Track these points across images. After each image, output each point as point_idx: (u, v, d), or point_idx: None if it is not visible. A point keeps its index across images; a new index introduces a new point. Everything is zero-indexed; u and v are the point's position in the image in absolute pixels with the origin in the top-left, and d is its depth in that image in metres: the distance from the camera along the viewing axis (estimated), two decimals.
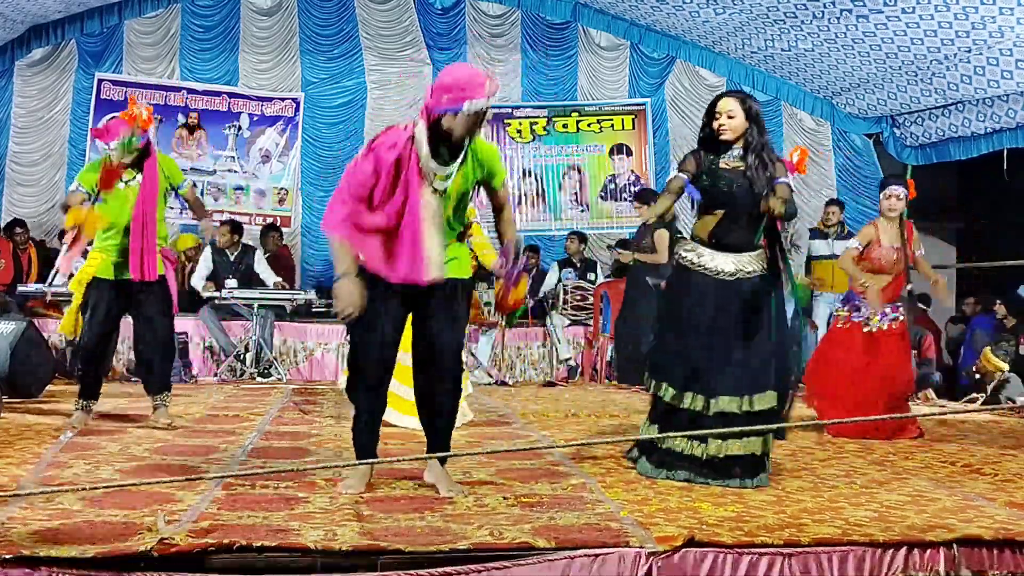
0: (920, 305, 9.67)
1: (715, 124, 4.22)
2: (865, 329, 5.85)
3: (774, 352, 4.20)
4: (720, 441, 4.05)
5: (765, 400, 4.13)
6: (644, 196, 8.80)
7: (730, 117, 4.18)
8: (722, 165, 4.21)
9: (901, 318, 5.90)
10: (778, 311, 4.23)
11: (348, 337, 3.76)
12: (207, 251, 9.22)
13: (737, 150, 4.22)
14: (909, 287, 6.13)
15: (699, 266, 4.21)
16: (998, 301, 9.37)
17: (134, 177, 5.37)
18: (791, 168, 5.78)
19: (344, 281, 3.61)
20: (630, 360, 8.43)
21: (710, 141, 4.26)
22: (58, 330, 5.69)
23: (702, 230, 4.27)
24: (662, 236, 8.33)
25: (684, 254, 4.29)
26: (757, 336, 4.18)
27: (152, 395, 5.58)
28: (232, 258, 9.21)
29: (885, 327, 5.83)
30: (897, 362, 5.89)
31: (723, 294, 4.17)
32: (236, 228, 9.36)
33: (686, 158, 4.33)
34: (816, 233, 9.44)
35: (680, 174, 4.26)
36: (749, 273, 4.20)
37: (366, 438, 3.85)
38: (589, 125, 11.23)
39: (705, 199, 4.25)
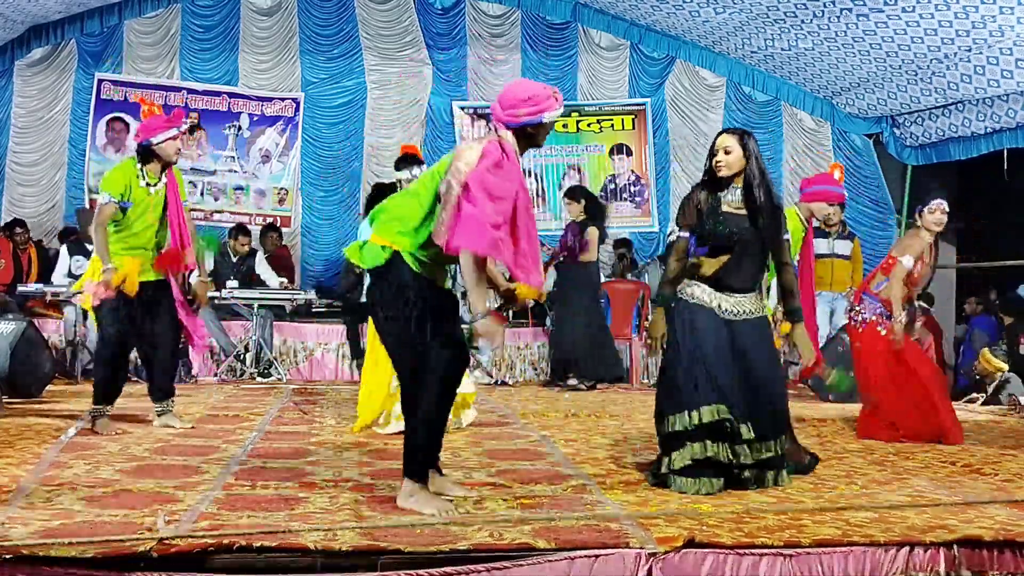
0: (923, 304, 9.66)
1: (713, 161, 4.14)
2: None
3: (783, 393, 4.27)
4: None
5: (783, 444, 4.17)
6: (574, 193, 8.79)
7: (727, 153, 4.08)
8: (724, 208, 4.11)
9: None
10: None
11: (430, 362, 3.57)
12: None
13: (738, 190, 4.13)
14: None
15: (708, 305, 4.10)
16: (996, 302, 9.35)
17: (158, 182, 5.41)
18: (836, 194, 5.74)
19: (491, 318, 3.46)
20: (561, 359, 8.57)
21: (711, 179, 4.17)
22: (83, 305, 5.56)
23: (706, 269, 4.15)
24: (593, 234, 8.36)
25: (690, 291, 4.15)
26: (772, 376, 4.19)
27: (158, 401, 5.60)
28: (235, 259, 9.22)
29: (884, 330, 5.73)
30: (927, 360, 5.91)
31: (734, 334, 4.10)
32: (246, 232, 9.40)
33: (683, 208, 4.20)
34: (817, 232, 9.42)
35: (681, 233, 4.15)
36: (749, 315, 4.14)
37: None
38: (589, 125, 11.23)
39: (710, 243, 4.13)
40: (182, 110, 5.70)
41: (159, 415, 5.58)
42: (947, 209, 5.70)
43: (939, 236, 5.81)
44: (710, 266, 4.13)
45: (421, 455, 3.61)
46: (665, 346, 4.21)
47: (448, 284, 3.76)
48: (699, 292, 4.13)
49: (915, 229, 5.83)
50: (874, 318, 5.75)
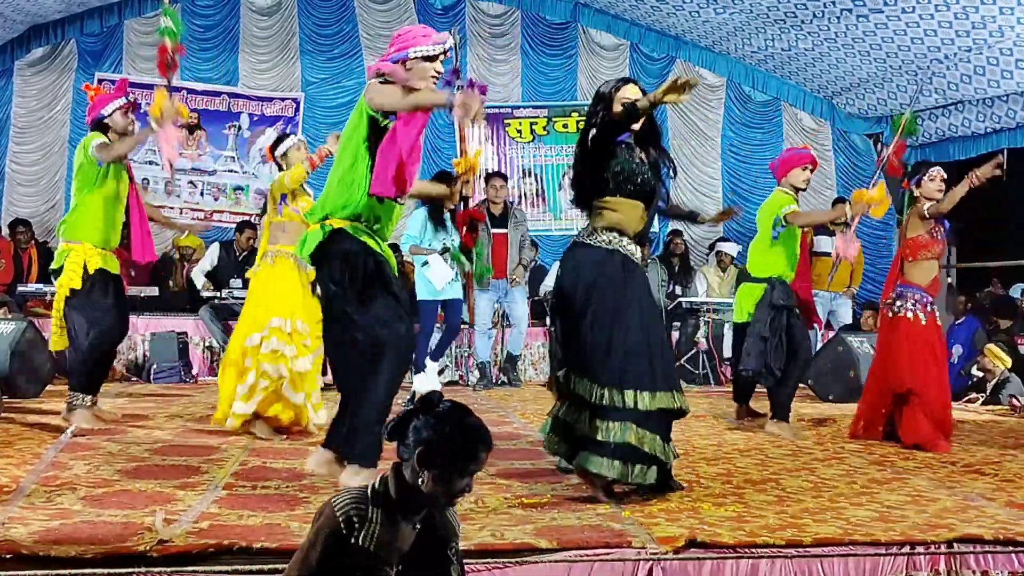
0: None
1: None
2: (929, 318, 5.50)
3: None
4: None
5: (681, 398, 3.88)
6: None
7: None
8: (637, 153, 3.92)
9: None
10: None
11: (361, 342, 3.54)
12: (214, 246, 9.24)
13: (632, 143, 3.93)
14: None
15: (634, 256, 3.87)
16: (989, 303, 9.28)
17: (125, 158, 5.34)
18: (802, 156, 5.76)
19: (459, 94, 3.34)
20: None
21: (610, 130, 3.82)
22: (52, 348, 5.41)
23: (627, 222, 3.88)
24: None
25: (616, 240, 3.84)
26: (661, 328, 4.08)
27: (96, 393, 5.43)
28: (240, 258, 9.21)
29: (925, 320, 5.51)
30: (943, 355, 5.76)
31: (647, 287, 3.97)
32: (252, 227, 9.40)
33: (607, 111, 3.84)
34: (821, 229, 9.47)
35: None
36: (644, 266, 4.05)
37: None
38: None
39: (627, 184, 3.85)
40: (125, 79, 5.62)
41: (92, 405, 5.37)
42: (945, 176, 5.60)
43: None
44: (632, 215, 3.89)
45: (371, 437, 3.57)
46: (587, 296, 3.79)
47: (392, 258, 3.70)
48: (629, 246, 3.88)
49: (915, 205, 5.70)
50: (916, 306, 5.50)
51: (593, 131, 3.85)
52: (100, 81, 10.32)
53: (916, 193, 5.67)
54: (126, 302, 5.55)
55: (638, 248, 3.93)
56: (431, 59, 3.58)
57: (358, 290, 3.50)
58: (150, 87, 10.26)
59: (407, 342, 3.62)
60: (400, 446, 2.18)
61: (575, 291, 3.83)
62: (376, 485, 2.17)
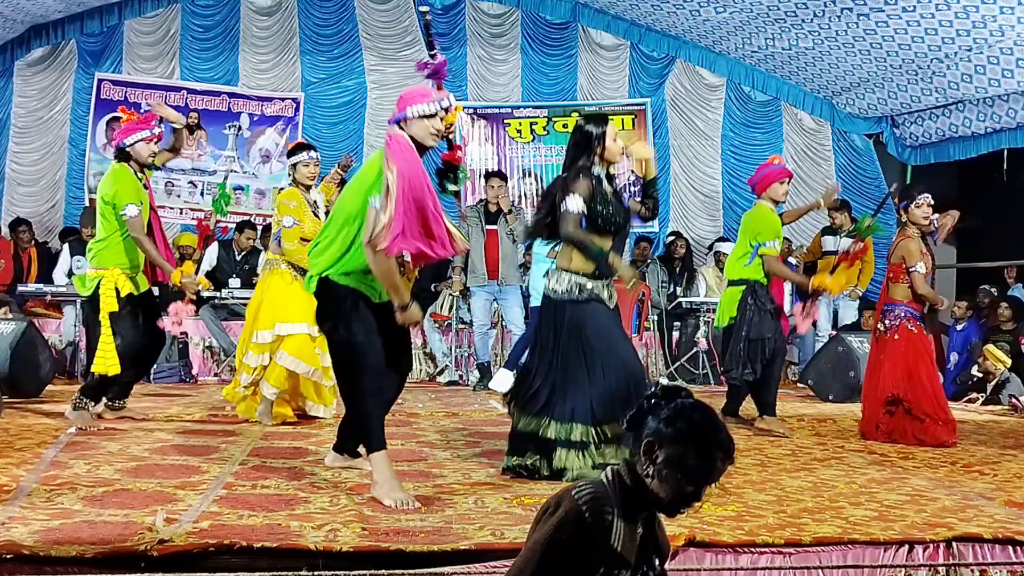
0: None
1: (613, 145, 4.12)
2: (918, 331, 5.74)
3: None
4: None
5: None
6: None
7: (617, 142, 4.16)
8: (607, 190, 4.13)
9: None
10: None
11: (346, 354, 3.80)
12: (214, 246, 9.23)
13: (604, 177, 4.17)
14: None
15: (598, 299, 4.08)
16: (1004, 304, 9.21)
17: (147, 185, 5.47)
18: (779, 171, 5.91)
19: (413, 305, 3.72)
20: None
21: (594, 164, 4.13)
22: (99, 371, 5.33)
23: (586, 263, 4.09)
24: None
25: (576, 287, 4.10)
26: (637, 362, 4.26)
27: (122, 398, 5.72)
28: (239, 257, 9.21)
29: (908, 333, 5.74)
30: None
31: (616, 322, 4.17)
32: (252, 227, 9.42)
33: (580, 180, 4.07)
34: (826, 229, 9.50)
35: (580, 206, 4.03)
36: (612, 297, 4.19)
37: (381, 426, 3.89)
38: None
39: (596, 224, 4.08)
40: (153, 113, 5.67)
41: (116, 409, 5.67)
42: (932, 202, 5.73)
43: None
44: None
45: (369, 428, 3.79)
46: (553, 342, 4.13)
47: (387, 296, 3.82)
48: (591, 288, 4.10)
49: (903, 229, 5.80)
50: (904, 320, 5.69)
51: (576, 203, 4.02)
52: (100, 81, 10.34)
53: (904, 219, 5.78)
54: (155, 323, 5.58)
55: (604, 283, 4.13)
56: (429, 117, 3.74)
57: (343, 322, 3.76)
58: (151, 87, 10.32)
59: (380, 352, 3.79)
60: (634, 437, 1.99)
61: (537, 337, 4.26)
62: (609, 476, 2.00)
